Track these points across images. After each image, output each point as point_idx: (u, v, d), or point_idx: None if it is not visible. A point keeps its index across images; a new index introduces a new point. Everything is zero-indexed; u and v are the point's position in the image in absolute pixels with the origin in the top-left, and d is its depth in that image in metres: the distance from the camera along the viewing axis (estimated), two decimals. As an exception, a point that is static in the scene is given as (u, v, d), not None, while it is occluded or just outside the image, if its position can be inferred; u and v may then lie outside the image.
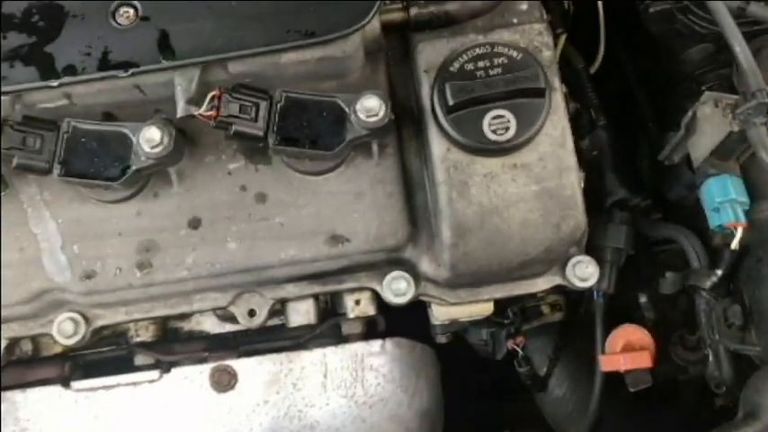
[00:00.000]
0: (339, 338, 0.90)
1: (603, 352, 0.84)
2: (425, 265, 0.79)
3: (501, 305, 0.85)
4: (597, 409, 0.87)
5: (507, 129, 0.72)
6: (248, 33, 0.71)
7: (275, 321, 0.90)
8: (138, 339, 0.91)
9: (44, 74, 0.71)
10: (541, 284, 0.82)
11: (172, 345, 0.91)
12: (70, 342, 0.80)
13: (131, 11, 0.73)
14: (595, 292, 0.87)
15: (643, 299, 0.93)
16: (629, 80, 0.99)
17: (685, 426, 0.94)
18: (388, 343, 0.88)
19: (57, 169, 0.72)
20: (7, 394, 0.88)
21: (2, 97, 0.71)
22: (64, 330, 0.79)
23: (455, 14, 0.78)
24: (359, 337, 0.90)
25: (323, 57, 0.74)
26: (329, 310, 0.91)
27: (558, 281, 0.81)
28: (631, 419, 0.94)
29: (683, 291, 0.84)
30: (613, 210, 0.89)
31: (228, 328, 0.94)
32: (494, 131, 0.72)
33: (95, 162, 0.73)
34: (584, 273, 0.80)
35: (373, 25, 0.75)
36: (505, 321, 0.85)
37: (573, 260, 0.81)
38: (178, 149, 0.73)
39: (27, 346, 0.91)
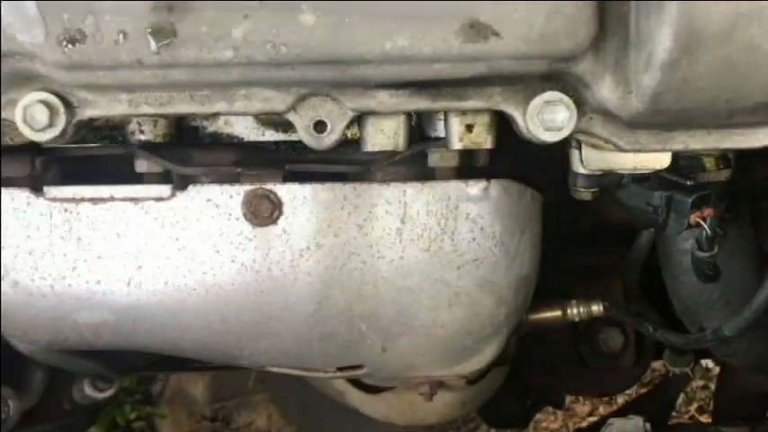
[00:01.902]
0: (425, 172, 0.64)
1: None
2: (605, 89, 0.51)
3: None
4: (761, 309, 0.63)
5: None
6: None
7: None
8: (142, 138, 0.63)
9: None
10: (762, 139, 0.54)
11: (189, 150, 0.64)
12: (42, 137, 0.52)
13: None
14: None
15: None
16: None
17: None
18: (494, 186, 0.62)
19: None
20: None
21: None
22: (33, 118, 0.51)
23: None
24: (452, 173, 0.64)
25: None
26: (417, 135, 0.63)
27: (777, 139, 0.53)
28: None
29: None
30: None
31: (270, 136, 0.66)
32: None
33: None
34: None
35: None
36: (688, 183, 0.58)
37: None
38: None
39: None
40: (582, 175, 0.59)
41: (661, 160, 0.57)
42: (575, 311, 0.87)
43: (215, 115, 0.58)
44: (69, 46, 0.48)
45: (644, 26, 0.47)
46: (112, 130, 0.65)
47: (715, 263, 0.62)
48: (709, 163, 0.67)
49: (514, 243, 0.66)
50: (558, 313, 0.88)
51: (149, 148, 0.63)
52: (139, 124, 0.63)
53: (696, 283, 0.70)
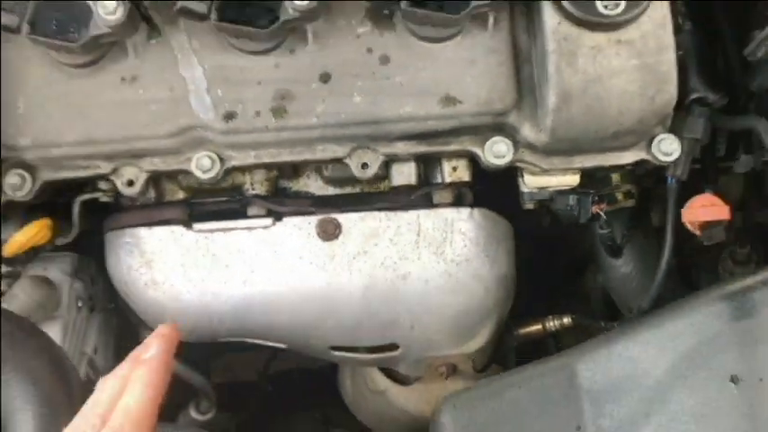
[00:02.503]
0: (431, 206, 1.00)
1: (674, 230, 0.94)
2: (526, 131, 0.88)
3: (584, 179, 0.94)
4: (661, 283, 0.96)
5: (617, 5, 0.80)
6: None
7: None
8: (254, 192, 1.01)
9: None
10: (628, 157, 0.91)
11: (283, 198, 1.02)
12: (206, 176, 0.90)
13: None
14: (669, 177, 0.96)
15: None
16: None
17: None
18: (476, 212, 0.98)
19: (24, 29, 0.82)
20: (133, 230, 0.99)
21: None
22: (202, 165, 0.90)
23: None
24: (448, 203, 1.00)
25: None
26: (423, 180, 1.00)
27: (643, 155, 0.90)
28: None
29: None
30: (693, 105, 0.97)
31: (332, 191, 1.04)
32: (605, 7, 0.80)
33: (247, 12, 0.82)
34: (669, 148, 0.89)
35: None
36: (591, 191, 0.94)
37: (658, 137, 0.89)
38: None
39: (151, 193, 1.01)
40: (525, 192, 0.96)
41: (574, 180, 0.94)
42: (551, 324, 1.20)
43: (304, 163, 0.96)
44: (228, 121, 0.88)
45: (542, 91, 0.86)
46: (233, 189, 1.03)
47: (614, 239, 0.96)
48: (620, 197, 1.03)
49: (493, 249, 1.01)
50: (539, 327, 1.20)
51: (258, 198, 1.01)
52: (251, 184, 1.01)
53: (623, 275, 1.04)
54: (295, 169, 1.01)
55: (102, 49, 0.87)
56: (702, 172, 1.01)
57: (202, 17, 0.82)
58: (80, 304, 1.09)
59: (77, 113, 0.88)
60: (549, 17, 0.83)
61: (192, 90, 0.88)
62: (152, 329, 0.67)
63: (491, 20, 0.87)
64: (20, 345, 0.79)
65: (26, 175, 0.90)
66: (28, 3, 0.82)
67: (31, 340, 0.81)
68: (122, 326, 1.20)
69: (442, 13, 0.81)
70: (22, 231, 0.91)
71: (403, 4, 0.81)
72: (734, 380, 0.79)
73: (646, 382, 0.81)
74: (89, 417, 0.60)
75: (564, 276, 1.37)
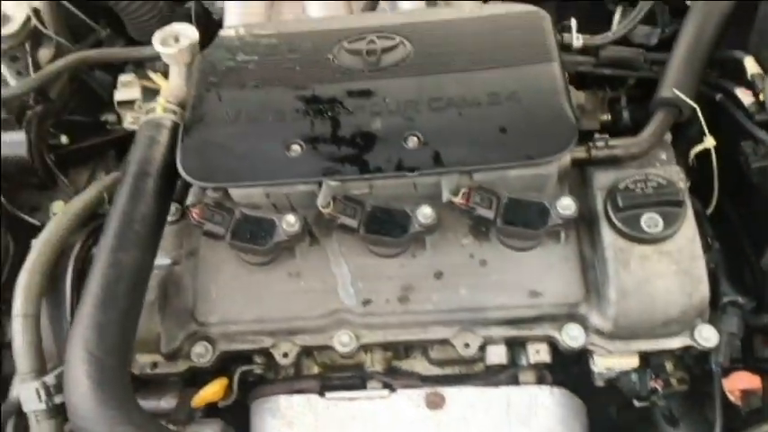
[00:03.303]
0: (517, 384, 1.24)
1: (722, 405, 1.15)
2: (594, 319, 1.14)
3: (643, 361, 1.18)
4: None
5: (657, 225, 1.11)
6: (490, 154, 1.14)
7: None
8: (372, 369, 1.27)
9: (362, 171, 1.15)
10: (676, 343, 1.15)
11: (396, 375, 1.27)
12: (345, 350, 1.17)
13: (416, 139, 1.17)
14: (713, 364, 1.19)
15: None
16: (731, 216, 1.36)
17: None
18: (556, 390, 1.22)
19: (228, 238, 1.14)
20: (277, 397, 1.24)
21: (327, 183, 1.14)
22: (342, 341, 1.17)
23: (620, 156, 1.20)
24: (532, 384, 1.24)
25: (535, 174, 1.16)
26: (511, 361, 1.25)
27: (688, 341, 1.14)
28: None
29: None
30: (726, 306, 1.23)
31: (435, 371, 1.29)
32: (648, 227, 1.11)
33: (385, 226, 1.15)
34: (708, 335, 1.13)
35: (566, 158, 1.18)
36: (648, 370, 1.17)
37: (699, 327, 1.15)
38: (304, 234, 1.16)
39: (290, 370, 1.28)
40: (596, 372, 1.19)
41: (634, 362, 1.18)
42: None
43: (418, 343, 1.22)
44: (366, 306, 1.17)
45: (604, 288, 1.14)
46: (356, 368, 1.29)
47: (671, 411, 1.17)
48: (674, 382, 1.26)
49: (570, 423, 1.21)
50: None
51: (377, 373, 1.27)
52: (371, 362, 1.27)
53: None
54: (406, 351, 1.28)
55: (277, 252, 1.19)
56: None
57: (353, 230, 1.15)
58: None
59: (254, 299, 1.19)
60: (607, 234, 1.14)
61: (340, 283, 1.18)
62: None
63: (563, 235, 1.17)
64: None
65: (208, 346, 1.19)
66: (231, 217, 1.16)
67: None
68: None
69: (527, 229, 1.12)
70: (209, 386, 1.17)
71: (498, 222, 1.13)
72: None
73: None
74: None
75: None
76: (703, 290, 1.11)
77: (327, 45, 1.29)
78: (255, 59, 1.31)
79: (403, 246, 1.18)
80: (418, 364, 1.29)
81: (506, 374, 1.23)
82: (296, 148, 1.17)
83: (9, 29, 1.46)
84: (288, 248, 1.20)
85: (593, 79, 1.52)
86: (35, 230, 1.35)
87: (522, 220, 1.13)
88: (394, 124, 1.18)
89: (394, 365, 1.28)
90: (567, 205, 1.11)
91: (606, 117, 1.51)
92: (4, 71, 1.46)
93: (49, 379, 1.05)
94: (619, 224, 1.12)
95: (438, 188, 1.15)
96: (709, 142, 1.25)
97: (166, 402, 1.28)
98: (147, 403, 1.26)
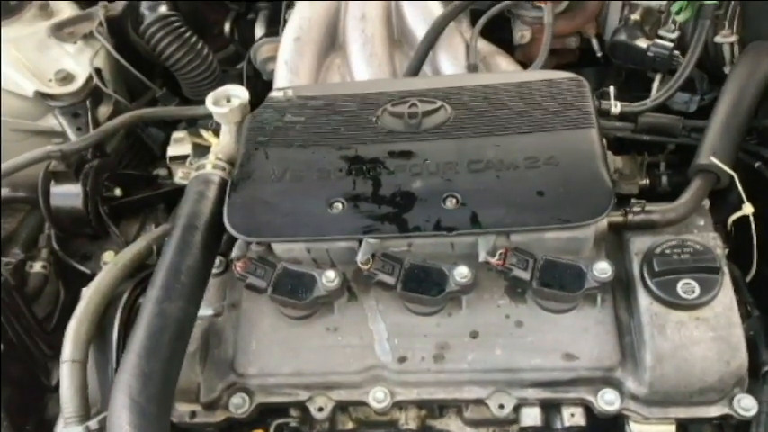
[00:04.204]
0: (553, 444, 1.23)
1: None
2: (630, 383, 1.14)
3: (680, 429, 1.17)
4: None
5: (693, 291, 1.11)
6: (527, 217, 1.16)
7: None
8: (407, 427, 1.28)
9: (401, 229, 1.18)
10: (714, 411, 1.13)
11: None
12: (379, 406, 1.18)
13: (455, 200, 1.20)
14: (755, 432, 1.17)
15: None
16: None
17: None
18: (589, 451, 1.21)
19: (269, 291, 1.17)
20: (313, 450, 1.26)
21: (367, 240, 1.18)
22: (377, 398, 1.19)
23: (657, 222, 1.21)
24: (567, 448, 1.23)
25: (571, 237, 1.18)
26: (544, 425, 1.25)
27: (726, 410, 1.13)
28: None
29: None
30: (766, 375, 1.21)
31: (468, 431, 1.29)
32: (684, 293, 1.11)
33: (422, 285, 1.17)
34: (747, 405, 1.12)
35: (603, 223, 1.19)
36: (686, 438, 1.16)
37: (737, 396, 1.13)
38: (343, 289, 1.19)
39: (325, 424, 1.29)
40: (632, 439, 1.18)
41: (670, 429, 1.16)
42: None
43: (453, 401, 1.23)
44: (401, 363, 1.19)
45: (640, 353, 1.14)
46: (390, 423, 1.30)
47: None
48: None
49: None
50: None
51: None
52: (405, 420, 1.28)
53: None
54: (440, 410, 1.28)
55: (316, 307, 1.22)
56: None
57: (391, 287, 1.17)
58: None
59: (292, 352, 1.21)
60: (643, 298, 1.14)
61: (377, 339, 1.20)
62: None
63: (599, 298, 1.18)
64: None
65: (246, 397, 1.21)
66: (273, 271, 1.20)
67: None
68: None
69: (563, 292, 1.14)
70: (248, 437, 1.20)
71: (534, 284, 1.14)
72: None
73: None
74: None
75: None
76: (741, 357, 1.10)
77: (371, 108, 1.34)
78: (302, 120, 1.36)
79: (439, 304, 1.20)
80: (452, 424, 1.29)
81: (546, 436, 1.22)
82: (338, 205, 1.21)
83: (72, 87, 1.55)
84: (326, 303, 1.23)
85: (632, 143, 1.54)
86: (86, 279, 1.41)
87: (558, 282, 1.14)
88: (433, 185, 1.21)
89: (428, 424, 1.28)
90: (603, 269, 1.12)
91: (645, 182, 1.53)
92: (66, 127, 1.54)
93: (93, 424, 1.09)
94: (655, 289, 1.13)
95: (475, 248, 1.18)
96: (748, 209, 1.25)
97: (202, 452, 1.30)
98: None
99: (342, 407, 1.25)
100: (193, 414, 1.23)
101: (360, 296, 1.25)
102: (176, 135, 1.60)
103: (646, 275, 1.14)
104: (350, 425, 1.29)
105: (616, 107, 1.41)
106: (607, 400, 1.15)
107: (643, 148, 1.56)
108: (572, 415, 1.20)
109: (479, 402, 1.20)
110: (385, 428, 1.29)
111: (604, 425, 1.21)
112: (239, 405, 1.21)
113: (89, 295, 1.20)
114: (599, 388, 1.16)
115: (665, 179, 1.55)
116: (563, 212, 1.15)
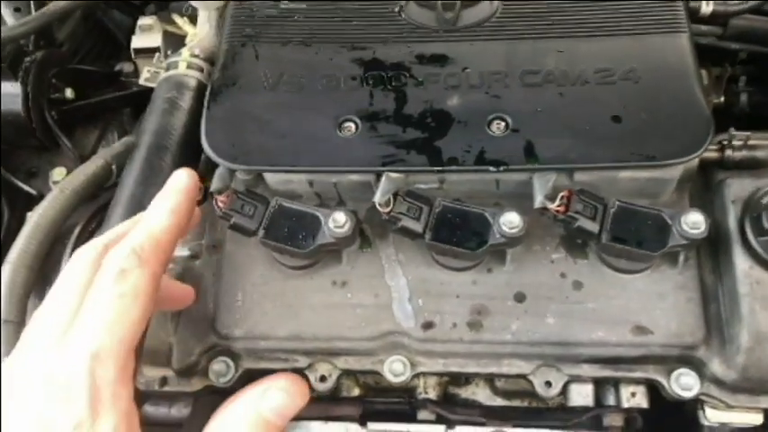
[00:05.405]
0: (599, 429, 1.01)
1: None
2: (715, 366, 0.90)
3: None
4: None
5: (812, 257, 0.85)
6: (598, 151, 0.89)
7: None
8: (425, 396, 1.05)
9: (432, 161, 0.91)
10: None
11: (453, 406, 1.04)
12: (397, 380, 0.94)
13: (503, 123, 0.93)
14: None
15: None
16: None
17: None
18: (641, 440, 0.99)
19: (261, 234, 0.91)
20: (308, 423, 1.03)
21: (388, 175, 0.90)
22: (394, 369, 0.95)
23: (762, 159, 0.94)
24: (619, 429, 1.01)
25: (651, 177, 0.91)
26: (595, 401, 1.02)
27: (829, 401, 0.90)
28: None
29: None
30: None
31: (499, 401, 1.06)
32: (796, 267, 0.86)
33: (458, 234, 0.91)
34: None
35: (695, 160, 0.92)
36: None
37: None
38: (354, 235, 0.91)
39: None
40: (706, 426, 0.96)
41: (758, 419, 0.94)
42: None
43: (490, 376, 1.00)
44: (427, 329, 0.94)
45: (731, 329, 0.90)
46: (405, 391, 1.07)
47: None
48: None
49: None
50: None
51: (430, 401, 1.04)
52: (424, 388, 1.05)
53: None
54: (467, 377, 1.05)
55: (319, 255, 0.96)
56: None
57: (417, 236, 0.91)
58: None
59: (289, 311, 0.96)
60: (741, 261, 0.89)
61: (396, 298, 0.95)
62: None
63: (681, 258, 0.92)
64: None
65: (230, 362, 0.97)
66: (265, 209, 0.93)
67: None
68: None
69: (641, 250, 0.88)
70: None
71: (604, 238, 0.88)
72: None
73: None
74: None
75: None
76: None
77: (393, -6, 1.04)
78: (303, 8, 1.06)
79: (478, 258, 0.94)
80: (480, 393, 1.06)
81: (588, 416, 1.00)
82: (350, 126, 0.93)
83: (8, -47, 1.21)
84: (333, 251, 0.96)
85: (706, 52, 1.24)
86: (33, 201, 1.14)
87: (634, 236, 0.88)
88: (475, 102, 0.94)
89: (450, 392, 1.05)
90: (695, 222, 0.86)
91: (720, 100, 1.24)
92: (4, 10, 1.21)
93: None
94: (760, 250, 0.87)
95: (527, 187, 0.91)
96: None
97: (177, 411, 1.09)
98: (156, 410, 1.08)
99: (348, 374, 1.02)
100: (164, 381, 0.99)
101: (375, 242, 0.99)
102: (143, 21, 1.28)
103: (748, 231, 0.89)
104: (356, 391, 1.05)
105: (708, 5, 1.11)
106: (683, 385, 0.92)
107: (721, 60, 1.27)
108: (632, 395, 0.97)
109: (521, 377, 0.96)
110: (398, 397, 1.06)
111: (668, 406, 0.98)
112: (222, 372, 0.97)
113: (27, 234, 0.93)
114: (673, 367, 0.93)
115: (744, 97, 1.26)
116: (646, 146, 0.88)
